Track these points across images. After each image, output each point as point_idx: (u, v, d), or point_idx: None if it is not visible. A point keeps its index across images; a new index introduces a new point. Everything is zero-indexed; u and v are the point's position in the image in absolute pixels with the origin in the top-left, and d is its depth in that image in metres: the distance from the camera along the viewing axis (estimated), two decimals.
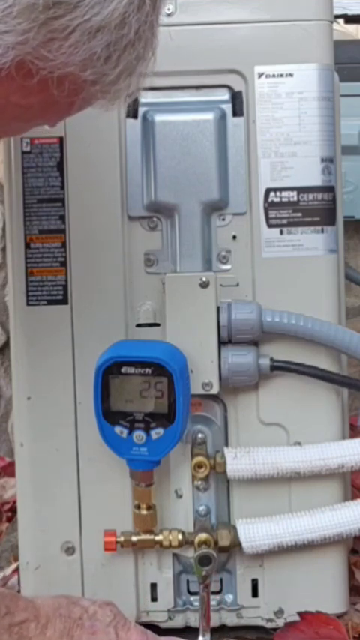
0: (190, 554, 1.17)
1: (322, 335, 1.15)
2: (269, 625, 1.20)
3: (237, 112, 1.17)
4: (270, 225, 1.17)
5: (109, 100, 0.82)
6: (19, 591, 1.28)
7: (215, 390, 1.15)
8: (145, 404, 1.11)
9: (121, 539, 1.17)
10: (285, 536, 1.16)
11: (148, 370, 1.10)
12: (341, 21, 2.15)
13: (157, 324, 1.17)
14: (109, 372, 1.11)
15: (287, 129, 1.16)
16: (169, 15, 1.15)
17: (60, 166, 1.17)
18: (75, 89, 0.77)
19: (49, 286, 1.18)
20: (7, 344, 1.94)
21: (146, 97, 1.16)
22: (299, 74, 1.16)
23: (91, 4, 0.72)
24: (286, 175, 1.17)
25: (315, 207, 1.17)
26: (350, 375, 1.24)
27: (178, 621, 1.21)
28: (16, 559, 1.31)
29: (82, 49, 0.74)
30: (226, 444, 1.19)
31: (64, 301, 1.18)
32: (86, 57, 0.74)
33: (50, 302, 1.18)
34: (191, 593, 1.22)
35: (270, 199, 1.17)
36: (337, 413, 1.20)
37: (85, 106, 0.82)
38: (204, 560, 1.14)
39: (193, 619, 1.21)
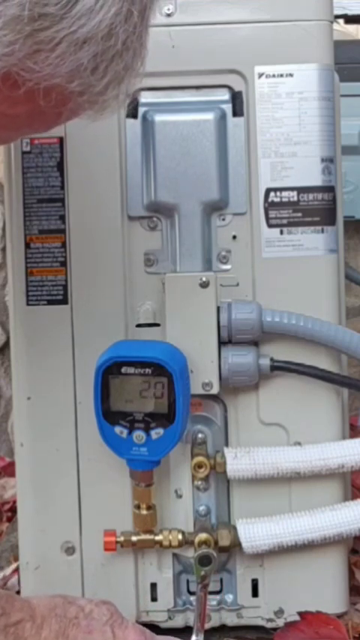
0: (190, 554, 1.17)
1: (322, 335, 1.15)
2: (269, 625, 1.20)
3: (237, 112, 1.17)
4: (270, 225, 1.17)
5: (97, 110, 0.81)
6: (18, 592, 1.28)
7: (215, 390, 1.15)
8: (145, 404, 1.11)
9: (121, 539, 1.17)
10: (285, 536, 1.16)
11: (148, 370, 1.10)
12: (341, 21, 2.15)
13: (157, 324, 1.17)
14: (109, 372, 1.11)
15: (287, 129, 1.16)
16: (169, 15, 1.15)
17: (60, 166, 1.17)
18: (62, 100, 0.77)
19: (49, 286, 1.18)
20: (7, 344, 1.94)
21: (146, 97, 1.16)
22: (299, 74, 1.16)
23: (78, 15, 0.72)
24: (286, 175, 1.17)
25: (315, 207, 1.17)
26: (350, 375, 1.24)
27: (178, 621, 1.21)
28: (16, 559, 1.31)
29: (69, 60, 0.73)
30: (226, 444, 1.19)
31: (64, 301, 1.18)
32: (73, 68, 0.74)
33: (50, 302, 1.18)
34: (191, 593, 1.22)
35: (270, 199, 1.17)
36: (337, 413, 1.20)
37: (72, 116, 0.82)
38: (204, 560, 1.14)
39: (193, 619, 1.20)
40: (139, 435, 1.11)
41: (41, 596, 1.01)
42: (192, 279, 1.15)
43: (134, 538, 1.17)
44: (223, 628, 1.21)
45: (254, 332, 1.15)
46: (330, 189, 1.18)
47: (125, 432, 1.11)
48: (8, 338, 1.29)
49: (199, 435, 1.18)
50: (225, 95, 1.17)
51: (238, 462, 1.16)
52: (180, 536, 1.17)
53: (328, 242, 1.18)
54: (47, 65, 0.73)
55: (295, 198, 1.17)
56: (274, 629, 1.19)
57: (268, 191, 1.17)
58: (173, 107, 1.16)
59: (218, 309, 1.15)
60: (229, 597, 1.21)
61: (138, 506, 1.16)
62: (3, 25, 0.71)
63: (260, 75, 1.16)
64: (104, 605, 1.01)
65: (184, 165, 1.16)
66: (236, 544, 1.17)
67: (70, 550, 1.20)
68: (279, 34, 1.16)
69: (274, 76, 1.16)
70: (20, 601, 0.96)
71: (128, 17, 0.75)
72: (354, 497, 1.25)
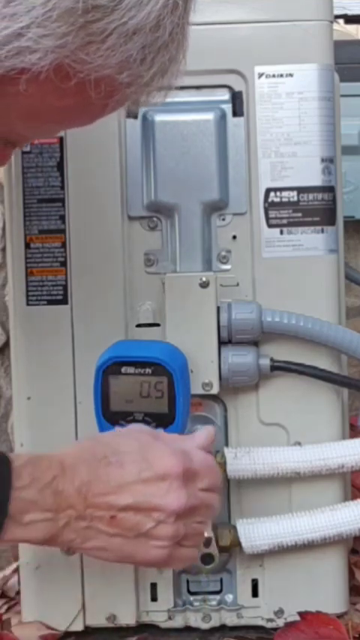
0: None
1: (322, 335, 1.15)
2: (269, 625, 1.20)
3: (237, 112, 1.17)
4: (270, 225, 1.17)
5: (142, 101, 0.83)
6: (18, 592, 1.28)
7: (215, 390, 1.15)
8: (145, 404, 1.11)
9: None
10: (285, 536, 1.16)
11: (148, 370, 1.10)
12: (341, 21, 2.15)
13: (157, 324, 1.17)
14: (109, 372, 1.11)
15: (287, 129, 1.16)
16: None
17: (60, 166, 1.17)
18: (110, 91, 0.78)
19: (49, 286, 1.18)
20: (7, 344, 1.94)
21: None
22: (299, 74, 1.16)
23: (128, 7, 0.74)
24: (286, 175, 1.17)
25: (315, 207, 1.17)
26: (350, 375, 1.24)
27: (178, 621, 1.21)
28: (16, 559, 1.30)
29: (119, 51, 0.75)
30: (226, 444, 1.19)
31: (64, 301, 1.18)
32: (122, 59, 0.76)
33: (50, 302, 1.18)
34: (191, 593, 1.21)
35: (270, 199, 1.17)
36: (337, 413, 1.20)
37: (117, 107, 0.83)
38: (206, 559, 1.14)
39: (193, 619, 1.21)
40: None
41: (69, 445, 1.00)
42: (192, 279, 1.15)
43: None
44: (223, 628, 1.21)
45: (254, 332, 1.15)
46: (330, 189, 1.18)
47: None
48: (8, 338, 1.29)
49: None
50: (225, 95, 1.17)
51: (238, 462, 1.16)
52: None
53: (328, 242, 1.18)
54: (98, 57, 0.75)
55: (295, 198, 1.17)
56: (274, 629, 1.19)
57: (268, 191, 1.17)
58: (173, 107, 1.16)
59: (218, 309, 1.15)
60: (229, 597, 1.21)
61: None
62: (57, 17, 0.72)
63: (260, 75, 1.16)
64: (132, 435, 0.99)
65: (184, 165, 1.16)
66: (236, 544, 1.17)
67: (70, 550, 1.19)
68: (279, 34, 1.16)
69: (274, 76, 1.16)
70: (47, 459, 0.94)
71: (174, 9, 0.76)
72: (354, 497, 1.25)
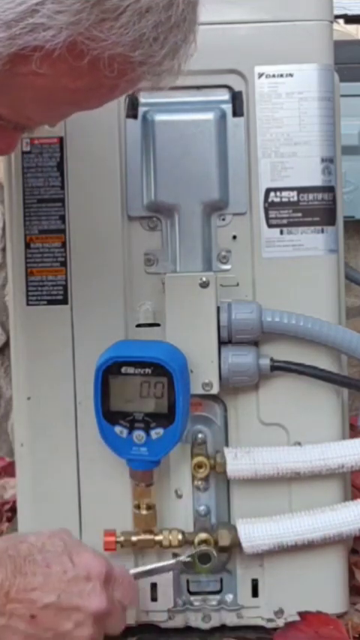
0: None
1: (322, 335, 1.15)
2: (269, 625, 1.20)
3: (237, 112, 1.17)
4: (270, 225, 1.17)
5: (154, 82, 0.83)
6: None
7: (215, 390, 1.15)
8: (145, 404, 1.11)
9: (121, 539, 1.17)
10: (285, 536, 1.16)
11: (148, 370, 1.10)
12: (341, 21, 2.15)
13: (157, 324, 1.17)
14: (109, 372, 1.11)
15: (287, 129, 1.16)
16: None
17: (60, 166, 1.17)
18: (123, 70, 0.79)
19: (49, 286, 1.18)
20: (7, 344, 1.94)
21: (146, 97, 1.16)
22: (299, 74, 1.16)
23: None
24: (286, 175, 1.17)
25: (315, 207, 1.17)
26: (350, 375, 1.24)
27: (178, 621, 1.21)
28: None
29: (132, 29, 0.76)
30: (226, 444, 1.19)
31: (64, 301, 1.18)
32: (136, 37, 0.76)
33: (50, 302, 1.18)
34: (191, 593, 1.21)
35: (270, 199, 1.17)
36: (337, 413, 1.20)
37: (128, 88, 0.84)
38: (204, 558, 1.14)
39: (193, 619, 1.21)
40: (139, 435, 1.11)
41: None
42: (192, 279, 1.15)
43: (134, 538, 1.17)
44: (223, 628, 1.21)
45: (254, 332, 1.15)
46: (330, 189, 1.18)
47: (125, 431, 1.11)
48: (8, 338, 1.29)
49: (199, 435, 1.18)
50: (225, 95, 1.17)
51: (238, 462, 1.16)
52: (180, 536, 1.17)
53: (328, 242, 1.18)
54: (112, 34, 0.75)
55: (295, 198, 1.17)
56: (274, 629, 1.19)
57: (268, 191, 1.17)
58: (173, 107, 1.16)
59: (218, 309, 1.15)
60: (229, 597, 1.21)
61: (138, 506, 1.16)
62: None
63: (260, 75, 1.16)
64: (56, 536, 1.00)
65: (184, 165, 1.16)
66: (236, 544, 1.17)
67: None
68: (279, 34, 1.16)
69: (274, 76, 1.16)
70: None
71: None
72: (354, 497, 1.25)
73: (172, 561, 1.15)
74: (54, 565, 0.96)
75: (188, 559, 1.14)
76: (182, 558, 1.15)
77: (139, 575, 1.13)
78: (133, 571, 1.12)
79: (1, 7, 0.74)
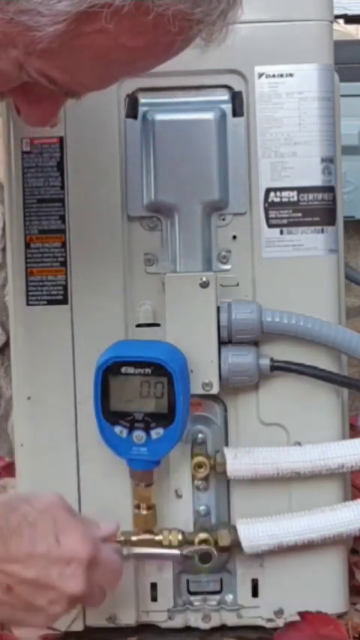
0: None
1: (322, 335, 1.15)
2: (269, 625, 1.20)
3: (237, 112, 1.17)
4: (270, 225, 1.17)
5: (206, 41, 0.85)
6: None
7: (215, 390, 1.15)
8: (145, 404, 1.11)
9: (121, 539, 1.17)
10: (285, 536, 1.16)
11: (148, 370, 1.10)
12: (341, 21, 2.15)
13: (157, 324, 1.17)
14: (109, 372, 1.11)
15: (287, 129, 1.16)
16: None
17: (60, 166, 1.17)
18: (182, 28, 0.80)
19: (49, 286, 1.18)
20: (7, 344, 1.94)
21: (146, 97, 1.16)
22: (299, 74, 1.16)
23: None
24: (286, 175, 1.17)
25: (315, 207, 1.17)
26: (350, 375, 1.24)
27: (178, 621, 1.21)
28: None
29: None
30: (226, 444, 1.19)
31: (64, 301, 1.18)
32: None
33: (50, 302, 1.18)
34: (191, 593, 1.22)
35: (270, 199, 1.17)
36: (337, 413, 1.20)
37: (183, 47, 0.85)
38: (205, 557, 1.14)
39: (193, 619, 1.21)
40: (139, 435, 1.11)
41: None
42: (192, 279, 1.15)
43: (134, 538, 1.17)
44: (223, 628, 1.21)
45: (254, 332, 1.15)
46: (330, 189, 1.18)
47: (125, 431, 1.11)
48: (8, 338, 1.29)
49: (199, 435, 1.18)
50: (225, 95, 1.17)
51: (238, 461, 1.16)
52: (180, 536, 1.17)
53: (328, 242, 1.18)
54: None
55: (295, 198, 1.17)
56: (274, 629, 1.19)
57: (268, 191, 1.17)
58: (173, 107, 1.16)
59: (218, 309, 1.15)
60: (229, 597, 1.21)
61: (138, 506, 1.16)
62: None
63: (260, 75, 1.16)
64: (49, 512, 1.00)
65: (184, 165, 1.16)
66: (236, 544, 1.17)
67: None
68: (279, 34, 1.16)
69: (274, 76, 1.16)
70: None
71: None
72: (354, 497, 1.25)
73: (173, 551, 1.15)
74: (39, 544, 0.97)
75: (189, 553, 1.14)
76: (183, 551, 1.15)
77: (133, 557, 1.13)
78: (126, 552, 1.12)
79: None
